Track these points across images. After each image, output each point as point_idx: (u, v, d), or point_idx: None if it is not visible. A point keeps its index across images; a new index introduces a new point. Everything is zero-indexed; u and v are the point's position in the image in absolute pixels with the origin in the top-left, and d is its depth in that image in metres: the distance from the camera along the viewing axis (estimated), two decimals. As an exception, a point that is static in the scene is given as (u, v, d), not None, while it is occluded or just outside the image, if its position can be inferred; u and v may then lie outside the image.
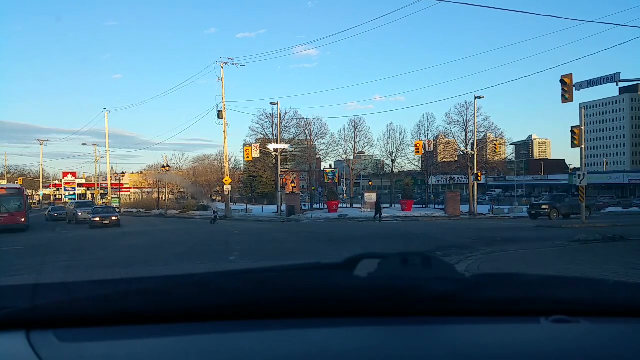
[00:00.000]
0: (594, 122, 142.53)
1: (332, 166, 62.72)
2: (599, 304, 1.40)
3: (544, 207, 33.76)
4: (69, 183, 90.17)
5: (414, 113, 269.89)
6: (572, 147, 27.89)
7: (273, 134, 49.49)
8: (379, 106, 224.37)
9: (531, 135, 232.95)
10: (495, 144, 46.92)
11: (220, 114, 40.92)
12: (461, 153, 48.82)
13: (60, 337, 1.21)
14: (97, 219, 31.12)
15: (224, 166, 46.51)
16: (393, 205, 48.87)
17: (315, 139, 55.44)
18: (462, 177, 54.47)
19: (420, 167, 59.32)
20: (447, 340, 1.25)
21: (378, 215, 34.30)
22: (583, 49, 31.97)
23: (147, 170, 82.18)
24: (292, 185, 54.25)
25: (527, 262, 12.38)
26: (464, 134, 46.25)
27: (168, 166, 59.54)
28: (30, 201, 56.42)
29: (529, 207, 36.91)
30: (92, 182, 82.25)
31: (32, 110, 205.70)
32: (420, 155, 50.87)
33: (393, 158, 57.47)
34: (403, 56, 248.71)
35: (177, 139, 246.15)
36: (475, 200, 42.60)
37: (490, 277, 1.55)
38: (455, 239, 18.20)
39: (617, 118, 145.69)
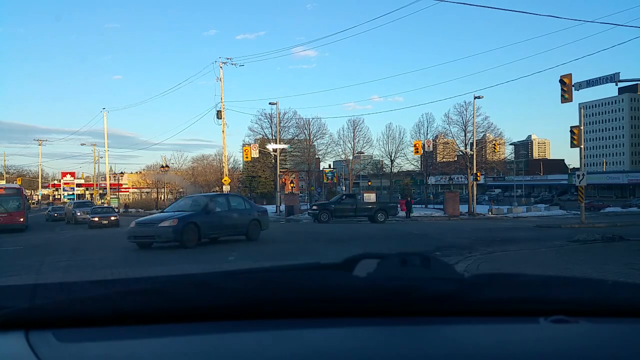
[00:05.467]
0: (593, 122, 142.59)
1: (331, 166, 62.89)
2: (598, 304, 1.40)
3: (314, 208, 33.63)
4: (68, 183, 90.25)
5: (413, 113, 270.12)
6: (571, 147, 27.94)
7: (272, 134, 49.58)
8: (377, 106, 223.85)
9: (530, 135, 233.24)
10: (494, 144, 46.98)
11: (219, 114, 40.88)
12: (460, 153, 48.88)
13: (59, 337, 1.21)
14: (96, 219, 31.11)
15: (223, 166, 46.47)
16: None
17: (314, 139, 55.62)
18: (461, 177, 54.48)
19: (420, 167, 59.39)
20: (446, 340, 1.25)
21: (408, 213, 36.28)
22: (582, 49, 32.11)
23: (146, 170, 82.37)
24: (291, 185, 54.21)
25: (526, 262, 12.39)
26: (463, 134, 46.33)
27: (167, 166, 59.63)
28: (29, 201, 56.41)
29: (309, 208, 35.79)
30: (91, 182, 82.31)
31: (31, 110, 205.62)
32: (419, 155, 50.97)
33: (392, 158, 57.64)
34: (401, 57, 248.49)
35: (176, 139, 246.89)
36: (475, 200, 42.67)
37: (490, 277, 1.55)
38: (455, 239, 18.20)
39: (616, 118, 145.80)
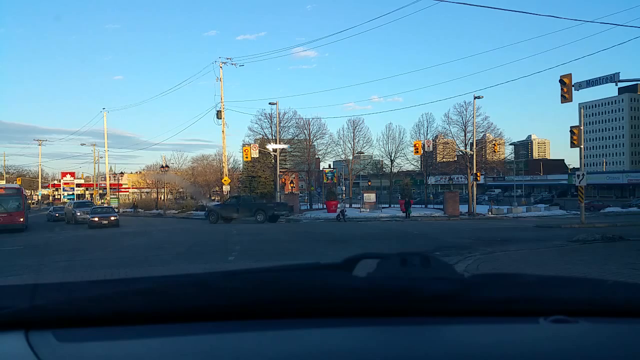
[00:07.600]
0: (593, 122, 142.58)
1: (331, 166, 62.79)
2: (598, 304, 1.40)
3: (206, 210, 37.46)
4: (68, 183, 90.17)
5: (413, 113, 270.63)
6: (571, 147, 27.93)
7: (272, 134, 49.48)
8: (377, 107, 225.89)
9: (530, 135, 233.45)
10: (494, 144, 46.93)
11: (219, 114, 40.87)
12: (460, 153, 48.81)
13: (59, 337, 1.21)
14: (96, 219, 31.08)
15: (223, 166, 46.46)
16: (392, 206, 48.90)
17: (314, 139, 55.47)
18: (461, 177, 54.41)
19: (420, 167, 59.27)
20: (446, 340, 1.25)
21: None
22: (582, 49, 32.11)
23: (146, 170, 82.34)
24: (291, 185, 54.14)
25: (526, 262, 12.39)
26: (463, 134, 46.26)
27: (167, 166, 59.49)
28: (29, 201, 56.42)
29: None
30: (91, 182, 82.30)
31: (31, 110, 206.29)
32: (419, 156, 50.87)
33: (392, 158, 57.51)
34: (401, 57, 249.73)
35: (176, 139, 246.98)
36: (475, 201, 42.61)
37: (489, 277, 1.55)
38: (455, 239, 18.20)
39: (616, 118, 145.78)
